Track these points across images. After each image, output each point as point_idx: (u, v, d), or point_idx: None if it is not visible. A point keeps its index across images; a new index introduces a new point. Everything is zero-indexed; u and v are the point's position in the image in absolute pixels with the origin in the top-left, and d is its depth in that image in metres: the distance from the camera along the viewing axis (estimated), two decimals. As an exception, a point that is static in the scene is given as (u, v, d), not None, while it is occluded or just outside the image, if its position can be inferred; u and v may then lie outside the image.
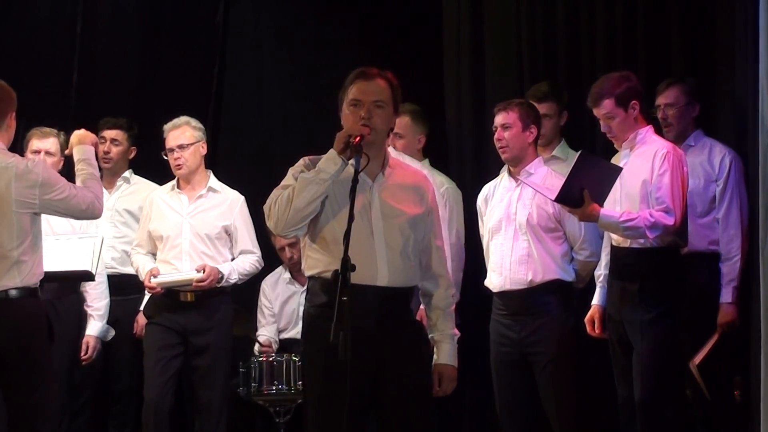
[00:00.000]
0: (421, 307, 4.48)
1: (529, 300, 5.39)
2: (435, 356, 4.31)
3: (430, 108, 6.36)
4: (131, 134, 6.67)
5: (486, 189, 5.68)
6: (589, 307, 5.49)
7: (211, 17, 7.44)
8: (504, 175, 5.61)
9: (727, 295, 5.39)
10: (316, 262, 4.22)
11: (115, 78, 7.33)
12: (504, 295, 5.48)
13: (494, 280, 5.52)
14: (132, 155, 6.71)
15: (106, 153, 6.58)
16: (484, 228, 5.63)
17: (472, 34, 6.68)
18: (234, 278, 6.15)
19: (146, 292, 6.17)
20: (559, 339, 5.37)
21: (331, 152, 4.11)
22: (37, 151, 6.04)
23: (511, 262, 5.42)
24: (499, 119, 5.49)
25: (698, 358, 5.31)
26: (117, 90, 7.31)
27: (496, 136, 5.50)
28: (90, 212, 5.08)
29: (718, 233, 5.46)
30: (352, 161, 4.10)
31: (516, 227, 5.44)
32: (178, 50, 7.42)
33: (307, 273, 4.27)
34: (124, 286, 6.42)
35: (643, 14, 6.12)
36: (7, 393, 4.95)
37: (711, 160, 5.53)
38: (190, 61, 7.42)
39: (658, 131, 5.51)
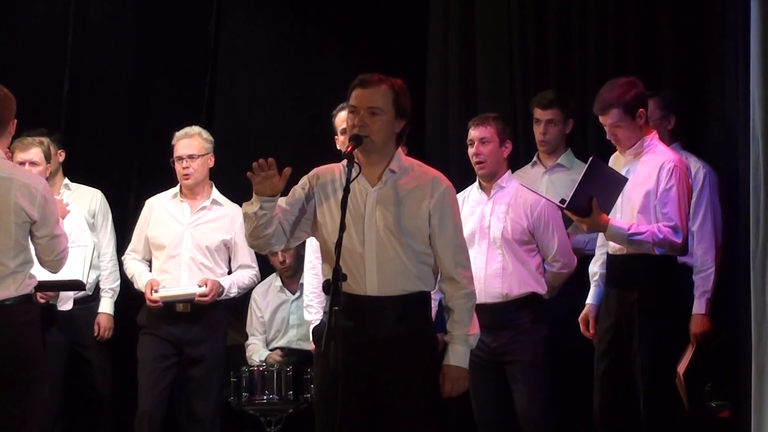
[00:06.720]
0: None
1: (502, 314, 5.35)
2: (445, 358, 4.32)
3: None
4: (53, 139, 6.34)
5: None
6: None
7: (203, 28, 7.44)
8: (473, 187, 5.59)
9: (700, 307, 5.35)
10: (323, 271, 4.31)
11: (106, 88, 7.32)
12: (478, 307, 5.46)
13: None
14: (62, 158, 6.51)
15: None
16: None
17: (462, 44, 6.68)
18: (234, 292, 6.16)
19: (147, 304, 6.07)
20: (532, 349, 5.36)
21: (254, 196, 4.17)
22: (21, 164, 5.85)
23: (485, 276, 5.37)
24: (476, 133, 5.46)
25: (682, 368, 5.29)
26: (108, 100, 7.31)
27: (473, 151, 5.46)
28: (59, 261, 5.10)
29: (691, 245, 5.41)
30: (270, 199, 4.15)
31: (490, 241, 5.42)
32: (170, 61, 7.42)
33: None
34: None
35: (634, 23, 6.13)
36: None
37: None
38: (181, 72, 7.42)
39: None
